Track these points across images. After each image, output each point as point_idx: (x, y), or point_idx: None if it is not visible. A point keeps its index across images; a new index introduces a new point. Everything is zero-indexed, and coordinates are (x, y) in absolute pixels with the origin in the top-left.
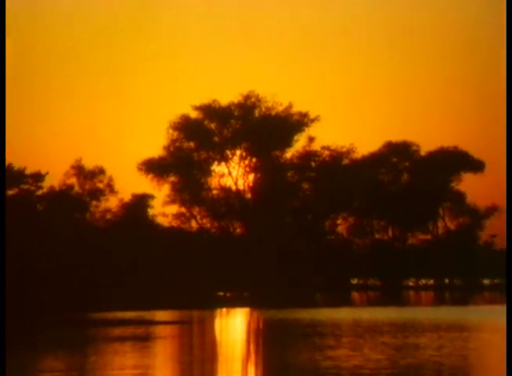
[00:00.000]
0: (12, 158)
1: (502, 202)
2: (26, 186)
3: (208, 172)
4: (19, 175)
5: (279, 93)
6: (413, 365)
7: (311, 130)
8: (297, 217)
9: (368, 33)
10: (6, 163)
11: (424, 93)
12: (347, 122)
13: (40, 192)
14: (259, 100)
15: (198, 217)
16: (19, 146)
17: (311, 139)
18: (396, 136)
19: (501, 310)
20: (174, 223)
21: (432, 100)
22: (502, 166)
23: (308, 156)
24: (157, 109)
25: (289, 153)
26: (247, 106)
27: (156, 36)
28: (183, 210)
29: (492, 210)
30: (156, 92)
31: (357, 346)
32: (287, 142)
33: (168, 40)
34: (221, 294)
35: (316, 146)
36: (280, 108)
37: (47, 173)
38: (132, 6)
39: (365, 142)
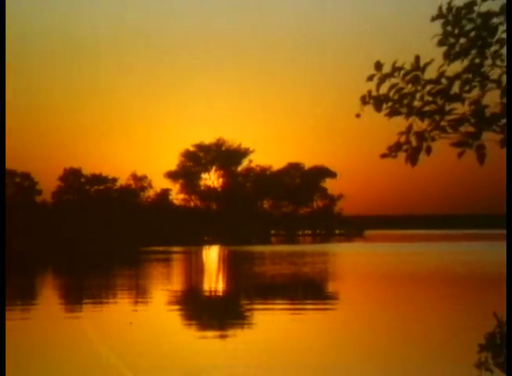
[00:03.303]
0: (101, 170)
1: (345, 192)
2: (108, 185)
3: (199, 178)
4: (105, 179)
5: (235, 138)
6: (316, 271)
7: (251, 156)
8: (244, 201)
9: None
10: (97, 172)
11: (311, 139)
12: (268, 153)
13: (115, 187)
14: (224, 142)
15: (194, 200)
16: (105, 164)
17: (250, 161)
18: (293, 159)
19: (344, 245)
20: (182, 203)
21: (313, 141)
22: (348, 175)
23: (249, 169)
24: (173, 146)
25: (239, 168)
26: (218, 145)
27: (177, 107)
28: (186, 197)
29: (339, 196)
30: (173, 137)
31: (281, 263)
32: (238, 163)
33: (182, 108)
34: (206, 238)
35: (253, 164)
36: (235, 145)
37: (119, 178)
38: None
39: (277, 163)
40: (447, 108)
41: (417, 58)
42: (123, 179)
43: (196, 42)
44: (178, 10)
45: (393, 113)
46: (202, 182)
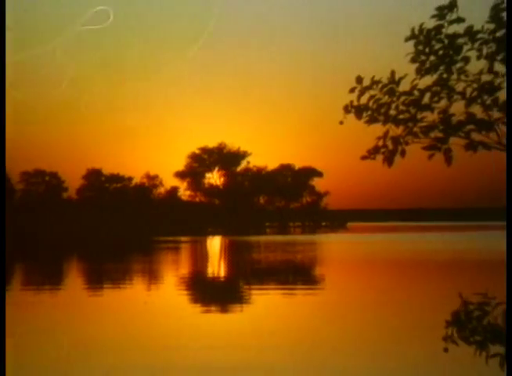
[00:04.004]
0: (119, 171)
1: (330, 189)
2: (125, 183)
3: (203, 177)
4: (122, 178)
5: (235, 143)
6: (307, 257)
7: (249, 158)
8: (242, 197)
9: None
10: (115, 172)
11: (300, 143)
12: (264, 155)
13: (131, 185)
14: (225, 145)
15: (199, 196)
16: (122, 165)
17: (248, 162)
18: (285, 161)
19: (330, 236)
20: (189, 199)
21: (303, 145)
22: (332, 174)
23: (247, 169)
24: (181, 149)
25: (239, 168)
26: (220, 148)
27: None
28: (193, 193)
29: (326, 193)
30: (181, 142)
31: (276, 251)
32: (238, 164)
33: (189, 120)
34: (209, 229)
35: (251, 165)
36: (234, 149)
37: (134, 177)
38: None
39: (271, 164)
40: (419, 116)
41: (393, 73)
42: (138, 178)
43: (201, 62)
44: (181, 17)
45: (372, 120)
46: (206, 181)
